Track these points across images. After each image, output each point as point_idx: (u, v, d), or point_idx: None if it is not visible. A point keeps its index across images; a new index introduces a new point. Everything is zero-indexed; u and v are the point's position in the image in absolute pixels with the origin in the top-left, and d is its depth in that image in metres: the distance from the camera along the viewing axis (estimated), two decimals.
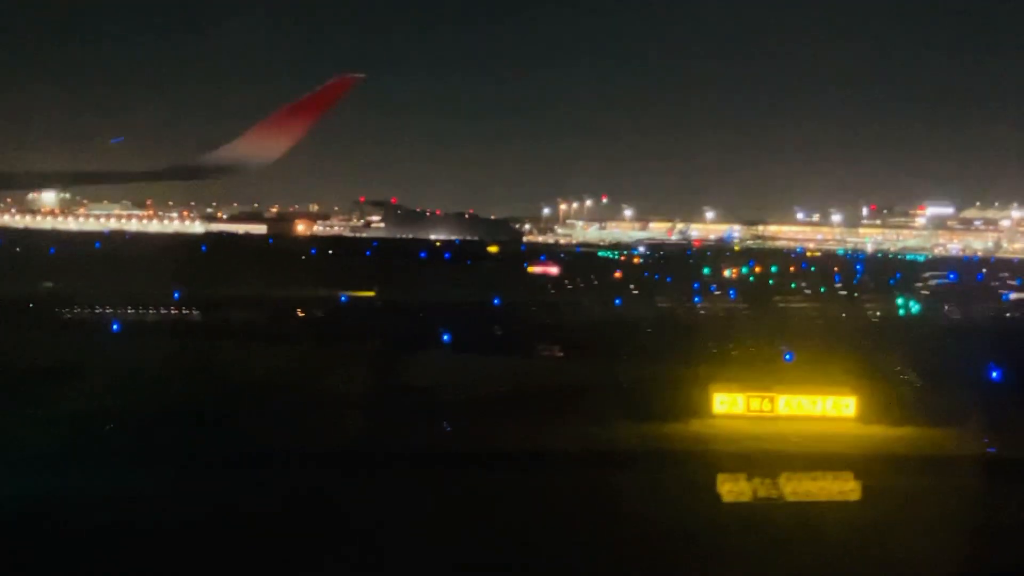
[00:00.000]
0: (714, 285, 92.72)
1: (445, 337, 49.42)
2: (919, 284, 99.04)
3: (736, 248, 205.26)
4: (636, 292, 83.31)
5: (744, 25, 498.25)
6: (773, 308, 71.81)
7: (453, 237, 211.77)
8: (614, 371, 38.35)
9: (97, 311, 56.70)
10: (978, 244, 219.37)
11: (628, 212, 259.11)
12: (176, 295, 66.66)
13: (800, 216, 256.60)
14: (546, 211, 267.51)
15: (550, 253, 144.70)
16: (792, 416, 32.96)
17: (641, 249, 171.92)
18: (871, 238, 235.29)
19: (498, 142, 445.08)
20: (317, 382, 36.73)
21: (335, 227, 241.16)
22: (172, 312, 59.19)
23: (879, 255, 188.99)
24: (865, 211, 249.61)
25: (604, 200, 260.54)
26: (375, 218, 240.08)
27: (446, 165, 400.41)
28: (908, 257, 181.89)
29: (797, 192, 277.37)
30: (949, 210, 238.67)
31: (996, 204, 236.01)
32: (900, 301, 79.95)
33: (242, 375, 37.49)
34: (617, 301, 76.44)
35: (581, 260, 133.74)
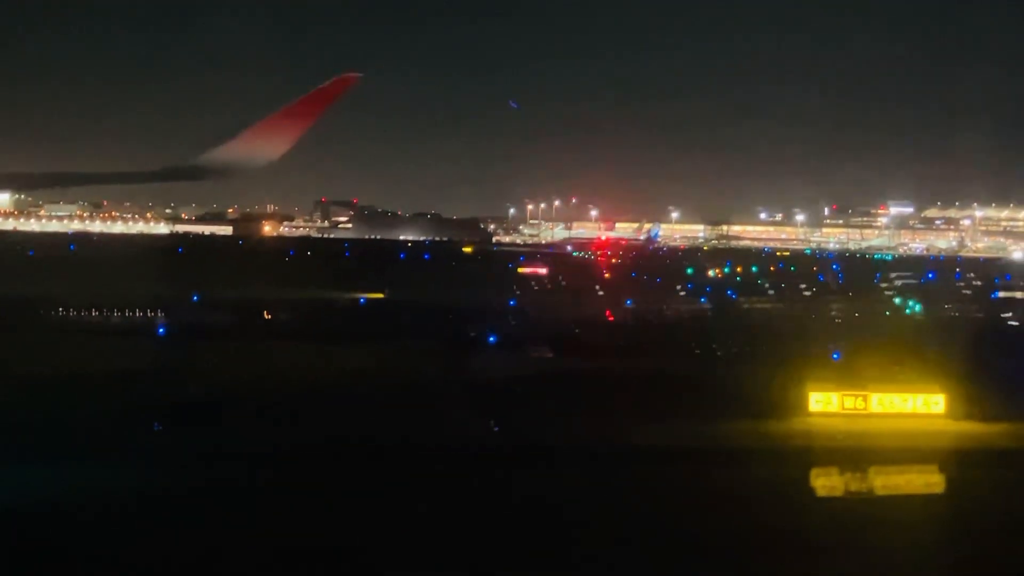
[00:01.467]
0: (710, 285, 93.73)
1: (492, 338, 49.66)
2: (884, 284, 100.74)
3: (706, 247, 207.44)
4: (642, 293, 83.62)
5: (705, 29, 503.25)
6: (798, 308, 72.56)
7: (422, 238, 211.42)
8: (708, 370, 38.80)
9: (141, 316, 55.91)
10: (942, 243, 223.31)
11: (594, 212, 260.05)
12: (195, 297, 66.03)
13: (763, 216, 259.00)
14: (512, 211, 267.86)
15: (529, 254, 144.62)
16: (885, 414, 33.57)
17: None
18: (835, 238, 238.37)
19: (457, 142, 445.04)
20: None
21: (300, 228, 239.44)
22: (217, 315, 58.29)
23: (846, 254, 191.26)
24: (827, 211, 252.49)
25: (574, 201, 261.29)
26: (343, 219, 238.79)
27: (404, 165, 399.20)
28: (876, 256, 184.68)
29: (760, 192, 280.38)
30: (910, 209, 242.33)
31: (957, 204, 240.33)
32: (898, 301, 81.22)
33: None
34: (628, 302, 77.02)
35: (564, 261, 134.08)
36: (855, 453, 30.21)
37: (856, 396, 33.52)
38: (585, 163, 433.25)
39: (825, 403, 33.55)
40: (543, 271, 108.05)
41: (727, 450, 29.63)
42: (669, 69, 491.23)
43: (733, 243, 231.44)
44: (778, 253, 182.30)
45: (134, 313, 56.70)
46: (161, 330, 50.57)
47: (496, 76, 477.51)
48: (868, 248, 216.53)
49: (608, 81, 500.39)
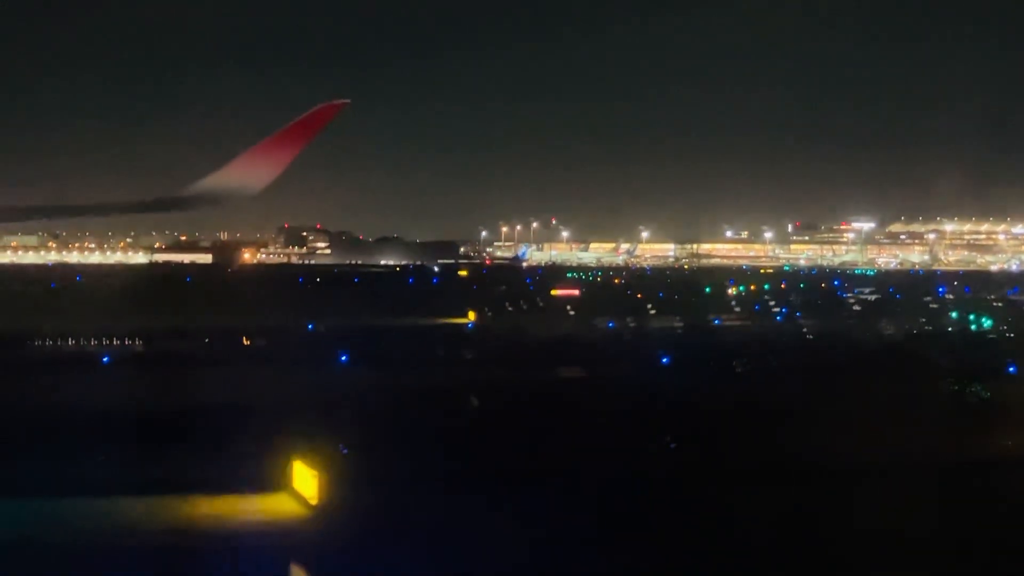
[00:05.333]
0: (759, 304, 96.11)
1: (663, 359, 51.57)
2: (850, 298, 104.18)
3: (686, 267, 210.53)
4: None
5: (668, 56, 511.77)
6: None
7: (404, 262, 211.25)
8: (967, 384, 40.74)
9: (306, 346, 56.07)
10: (915, 257, 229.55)
11: (565, 233, 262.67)
12: (311, 326, 66.44)
13: (729, 234, 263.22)
14: (484, 233, 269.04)
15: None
16: None
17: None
18: (804, 254, 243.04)
19: (416, 166, 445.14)
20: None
21: (276, 255, 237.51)
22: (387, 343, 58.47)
23: (826, 270, 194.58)
24: (791, 228, 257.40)
25: (554, 222, 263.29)
26: (321, 244, 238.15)
27: (361, 188, 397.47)
28: (856, 271, 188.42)
29: (724, 210, 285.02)
30: (872, 225, 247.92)
31: (920, 218, 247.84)
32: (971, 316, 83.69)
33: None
34: (716, 320, 78.90)
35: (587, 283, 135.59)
36: None
37: None
38: (555, 186, 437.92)
39: None
40: (576, 293, 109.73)
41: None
42: (637, 97, 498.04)
43: (704, 261, 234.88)
44: (762, 271, 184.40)
45: (290, 344, 56.82)
46: (344, 358, 50.79)
47: (458, 102, 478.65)
48: (843, 264, 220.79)
49: (576, 109, 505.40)
